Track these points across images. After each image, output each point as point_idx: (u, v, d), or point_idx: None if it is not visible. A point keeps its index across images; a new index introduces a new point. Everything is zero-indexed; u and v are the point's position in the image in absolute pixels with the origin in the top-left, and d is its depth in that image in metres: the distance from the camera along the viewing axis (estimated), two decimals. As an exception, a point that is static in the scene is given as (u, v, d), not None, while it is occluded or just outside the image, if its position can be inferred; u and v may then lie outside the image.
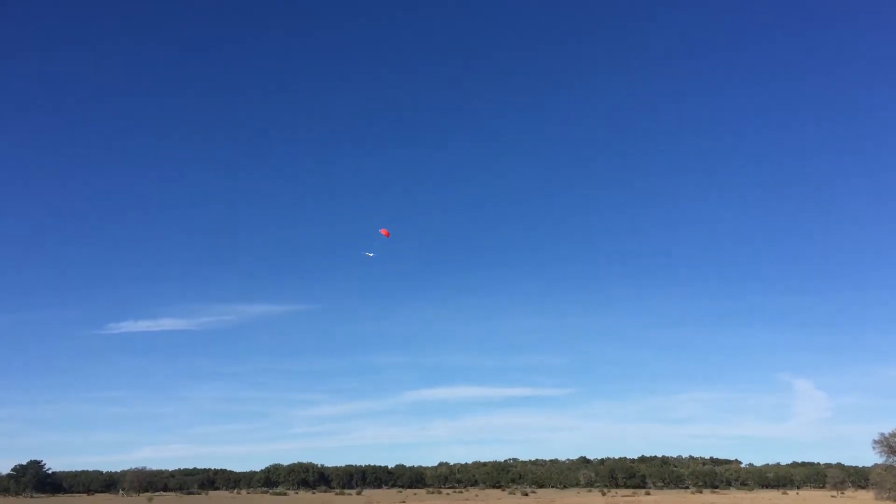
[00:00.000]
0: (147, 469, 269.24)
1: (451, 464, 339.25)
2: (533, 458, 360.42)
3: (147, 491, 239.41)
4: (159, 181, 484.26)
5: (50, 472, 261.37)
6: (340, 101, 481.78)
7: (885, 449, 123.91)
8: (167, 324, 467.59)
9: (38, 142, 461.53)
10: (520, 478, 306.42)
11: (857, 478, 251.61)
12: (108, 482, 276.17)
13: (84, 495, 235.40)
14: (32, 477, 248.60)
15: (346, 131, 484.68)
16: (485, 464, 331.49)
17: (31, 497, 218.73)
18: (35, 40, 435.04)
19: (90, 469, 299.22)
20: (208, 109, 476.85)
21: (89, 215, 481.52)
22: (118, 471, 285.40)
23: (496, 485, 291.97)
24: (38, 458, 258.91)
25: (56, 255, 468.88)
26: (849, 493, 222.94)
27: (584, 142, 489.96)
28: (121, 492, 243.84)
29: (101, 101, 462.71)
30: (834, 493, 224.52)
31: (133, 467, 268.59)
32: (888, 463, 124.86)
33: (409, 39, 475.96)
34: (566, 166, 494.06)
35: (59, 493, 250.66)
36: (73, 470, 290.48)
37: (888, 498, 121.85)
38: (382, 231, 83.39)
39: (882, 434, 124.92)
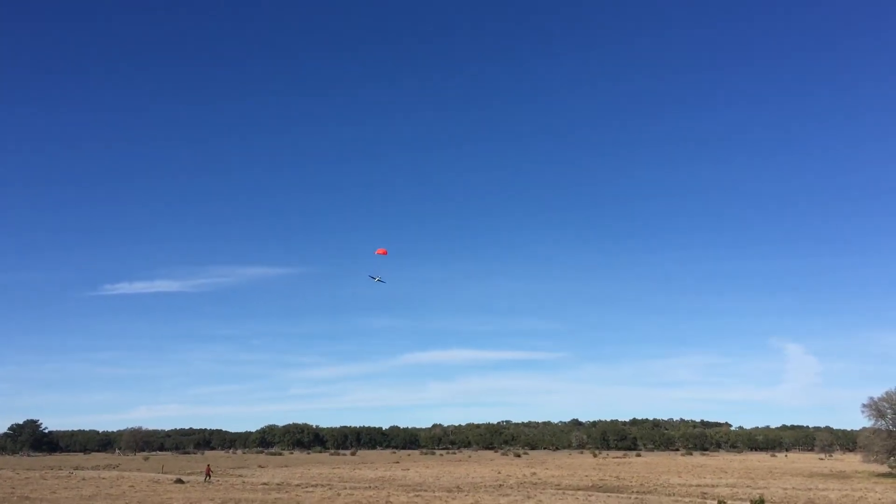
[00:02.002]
0: (143, 429, 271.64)
1: (445, 425, 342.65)
2: (526, 421, 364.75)
3: (143, 450, 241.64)
4: (156, 143, 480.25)
5: (46, 431, 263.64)
6: (343, 64, 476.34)
7: (874, 413, 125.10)
8: (162, 286, 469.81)
9: (32, 102, 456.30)
10: (513, 439, 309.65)
11: (845, 441, 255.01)
12: (104, 441, 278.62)
13: (80, 454, 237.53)
14: (29, 436, 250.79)
15: (347, 90, 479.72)
16: (478, 426, 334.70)
17: (28, 455, 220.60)
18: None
19: (86, 429, 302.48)
20: (206, 71, 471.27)
21: (85, 176, 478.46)
22: (114, 430, 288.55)
23: (489, 446, 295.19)
24: (35, 418, 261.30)
25: (51, 216, 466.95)
26: (837, 455, 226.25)
27: (581, 105, 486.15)
28: (117, 451, 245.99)
29: (97, 60, 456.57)
30: (822, 455, 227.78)
31: (129, 427, 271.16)
32: (876, 427, 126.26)
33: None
34: (562, 131, 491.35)
35: (55, 451, 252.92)
36: (70, 429, 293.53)
37: (875, 461, 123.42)
38: (379, 251, 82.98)
39: (871, 398, 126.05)
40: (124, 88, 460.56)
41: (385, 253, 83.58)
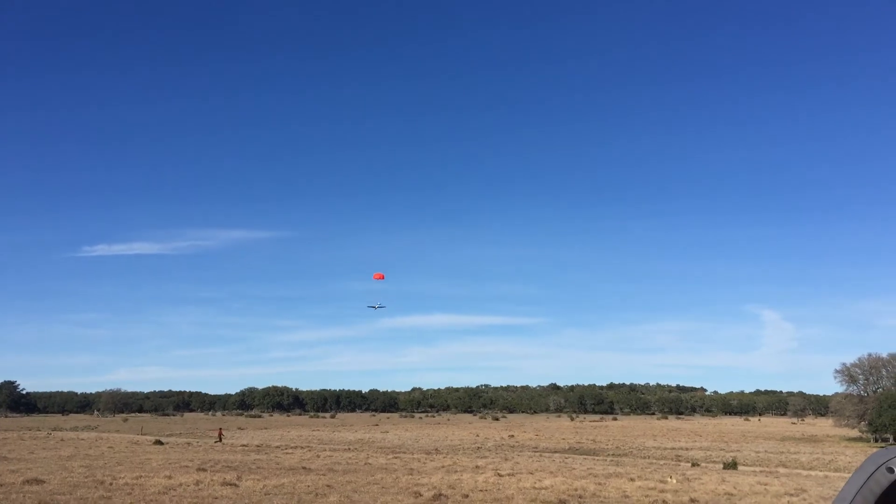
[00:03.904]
0: (122, 391, 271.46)
1: (424, 389, 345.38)
2: (504, 385, 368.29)
3: (122, 412, 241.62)
4: (135, 103, 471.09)
5: (24, 392, 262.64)
6: (332, 24, 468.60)
7: (846, 378, 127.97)
8: (142, 248, 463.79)
9: (9, 63, 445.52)
10: (491, 403, 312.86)
11: (817, 406, 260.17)
12: (83, 403, 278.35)
13: (59, 415, 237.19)
14: (7, 397, 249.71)
15: (327, 52, 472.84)
16: (457, 389, 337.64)
17: (6, 416, 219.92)
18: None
19: (65, 390, 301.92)
20: (187, 36, 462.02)
21: (63, 137, 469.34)
22: (93, 392, 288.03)
23: (468, 409, 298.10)
24: (13, 379, 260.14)
25: (30, 177, 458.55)
26: (808, 420, 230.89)
27: (560, 73, 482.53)
28: (96, 412, 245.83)
29: (80, 20, 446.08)
30: (794, 420, 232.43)
31: (108, 389, 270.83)
32: (848, 392, 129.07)
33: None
34: (545, 98, 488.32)
35: (33, 412, 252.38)
36: (48, 391, 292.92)
37: (846, 425, 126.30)
38: (376, 275, 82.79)
39: (843, 364, 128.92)
40: (102, 49, 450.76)
41: (382, 277, 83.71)
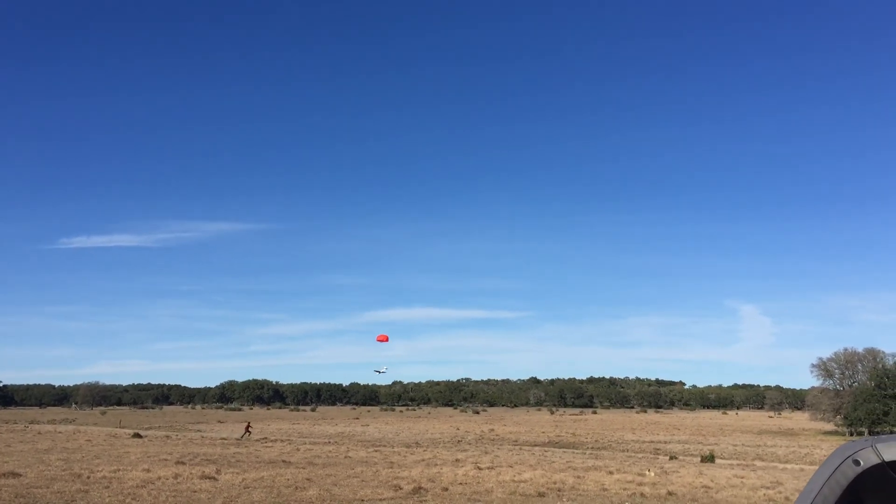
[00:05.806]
0: (101, 384, 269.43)
1: (405, 383, 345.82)
2: (485, 378, 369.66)
3: (101, 405, 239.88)
4: (117, 95, 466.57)
5: (1, 385, 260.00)
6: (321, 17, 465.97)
7: (822, 373, 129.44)
8: (122, 240, 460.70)
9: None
10: (472, 397, 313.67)
11: (794, 400, 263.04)
12: (61, 396, 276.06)
13: (36, 408, 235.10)
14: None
15: (313, 45, 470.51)
16: (438, 383, 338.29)
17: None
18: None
19: (42, 383, 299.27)
20: (174, 27, 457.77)
21: (41, 126, 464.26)
22: (71, 385, 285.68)
23: (448, 403, 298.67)
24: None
25: (6, 169, 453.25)
26: (785, 413, 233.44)
27: (542, 67, 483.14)
28: (74, 405, 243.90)
29: (61, 13, 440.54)
30: (771, 413, 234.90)
31: (87, 382, 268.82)
32: (824, 386, 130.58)
33: None
34: (529, 93, 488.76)
35: (10, 405, 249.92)
36: (26, 383, 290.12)
37: (822, 419, 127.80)
38: (380, 338, 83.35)
39: (820, 358, 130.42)
40: (82, 41, 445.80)
41: (386, 339, 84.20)
